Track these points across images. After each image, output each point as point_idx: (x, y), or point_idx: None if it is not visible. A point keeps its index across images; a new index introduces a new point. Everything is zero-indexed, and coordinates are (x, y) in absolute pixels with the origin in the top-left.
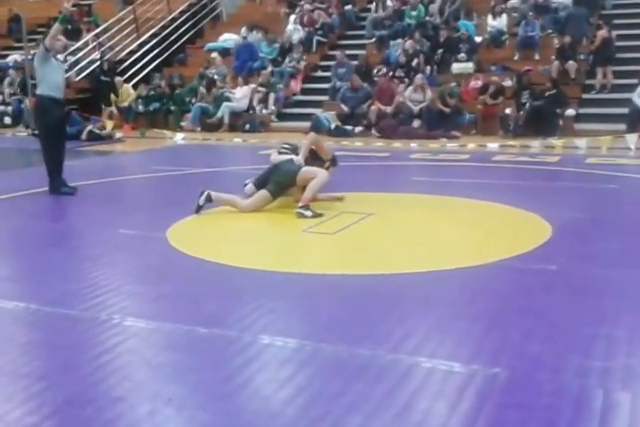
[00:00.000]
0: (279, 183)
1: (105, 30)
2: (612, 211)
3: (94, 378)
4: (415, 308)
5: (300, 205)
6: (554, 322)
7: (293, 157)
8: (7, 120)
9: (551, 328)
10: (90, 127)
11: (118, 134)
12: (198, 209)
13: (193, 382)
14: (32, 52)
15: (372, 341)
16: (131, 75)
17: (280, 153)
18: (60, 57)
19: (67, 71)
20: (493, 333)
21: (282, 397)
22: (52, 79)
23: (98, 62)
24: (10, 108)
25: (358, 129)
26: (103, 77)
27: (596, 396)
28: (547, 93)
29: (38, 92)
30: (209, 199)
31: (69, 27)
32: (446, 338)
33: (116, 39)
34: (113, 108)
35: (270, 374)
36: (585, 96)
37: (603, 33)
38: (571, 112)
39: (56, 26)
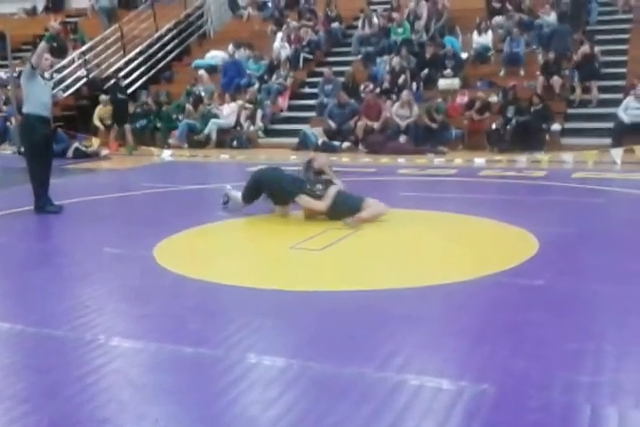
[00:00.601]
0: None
1: (91, 48)
2: (598, 225)
3: (79, 400)
4: (402, 324)
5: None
6: (541, 337)
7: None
8: None
9: (538, 344)
10: (76, 145)
11: (104, 152)
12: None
13: (179, 402)
14: (17, 69)
15: (360, 358)
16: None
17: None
18: (47, 75)
19: (53, 88)
20: (481, 349)
21: (268, 417)
22: (39, 97)
23: (83, 80)
24: None
25: (345, 145)
26: (120, 95)
27: (583, 412)
28: (532, 109)
29: (24, 110)
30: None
31: (55, 44)
32: (433, 355)
33: (103, 57)
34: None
35: (257, 394)
36: (570, 111)
37: (585, 49)
38: (556, 127)
39: (42, 44)
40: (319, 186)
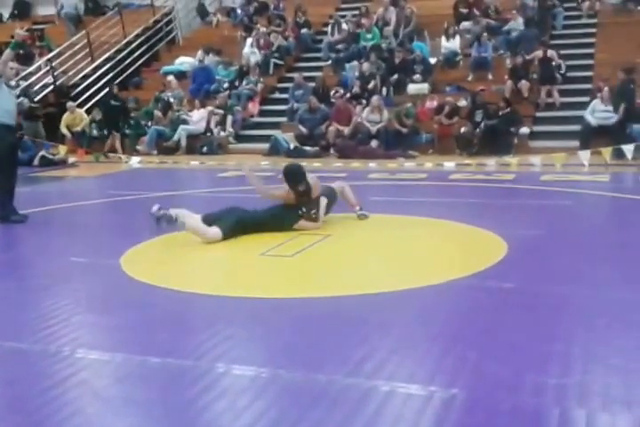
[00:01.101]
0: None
1: (58, 55)
2: (566, 227)
3: (43, 413)
4: (373, 330)
5: (359, 208)
6: (510, 340)
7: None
8: None
9: (508, 347)
10: (42, 153)
11: (72, 159)
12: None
13: (147, 414)
14: None
15: (330, 365)
16: (85, 99)
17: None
18: (13, 83)
19: (18, 97)
20: (451, 353)
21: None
22: (4, 105)
23: (50, 87)
24: None
25: (316, 149)
26: (113, 102)
27: (552, 414)
28: (500, 112)
29: None
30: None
31: (21, 51)
32: (404, 360)
33: (70, 63)
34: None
35: (226, 403)
36: (538, 114)
37: (538, 53)
38: (525, 130)
39: (7, 51)
40: (313, 210)
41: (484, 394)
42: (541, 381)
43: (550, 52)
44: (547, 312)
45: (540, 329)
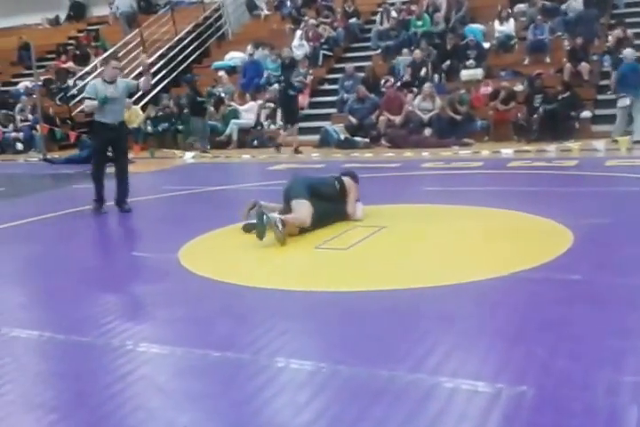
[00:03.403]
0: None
1: (113, 54)
2: (635, 215)
3: (107, 408)
4: (434, 324)
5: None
6: (579, 335)
7: None
8: (19, 146)
9: (577, 342)
10: None
11: (129, 156)
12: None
13: (207, 408)
14: (41, 78)
15: (391, 360)
16: (139, 96)
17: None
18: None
19: (74, 97)
20: (517, 348)
21: (299, 423)
22: (109, 106)
23: None
24: (21, 135)
25: (366, 140)
26: (199, 98)
27: (629, 413)
28: (560, 96)
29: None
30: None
31: (78, 53)
32: (468, 355)
33: (124, 62)
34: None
35: (286, 398)
36: (600, 97)
37: (617, 33)
38: (586, 114)
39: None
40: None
41: (555, 392)
42: (616, 378)
43: (629, 33)
44: (617, 305)
45: (611, 323)
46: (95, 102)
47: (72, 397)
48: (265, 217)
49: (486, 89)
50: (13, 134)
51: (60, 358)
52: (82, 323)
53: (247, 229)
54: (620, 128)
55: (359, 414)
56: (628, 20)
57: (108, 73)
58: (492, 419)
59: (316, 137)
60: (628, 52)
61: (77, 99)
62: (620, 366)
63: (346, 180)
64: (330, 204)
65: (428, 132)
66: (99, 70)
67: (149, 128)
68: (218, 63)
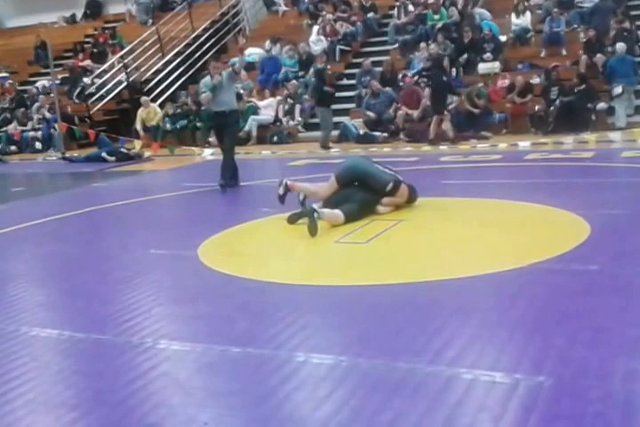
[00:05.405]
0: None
1: (130, 51)
2: None
3: (128, 405)
4: (452, 316)
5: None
6: (598, 325)
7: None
8: (37, 145)
9: (595, 332)
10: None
11: (147, 153)
12: (281, 199)
13: (228, 405)
14: (59, 77)
15: (410, 353)
16: (157, 94)
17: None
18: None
19: (93, 94)
20: (535, 339)
21: (319, 416)
22: (221, 97)
23: (124, 84)
24: (40, 133)
25: (385, 135)
26: (326, 88)
27: None
28: (576, 89)
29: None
30: (287, 189)
31: (95, 50)
32: (486, 347)
33: (142, 60)
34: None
35: (307, 393)
36: None
37: (616, 25)
38: (602, 106)
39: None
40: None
41: (573, 382)
42: (634, 367)
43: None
44: (635, 295)
45: (628, 313)
46: (209, 94)
47: (92, 395)
48: (315, 213)
49: (503, 82)
50: (32, 133)
51: (80, 357)
52: (101, 321)
53: (292, 220)
54: (621, 115)
55: (379, 406)
56: None
57: (211, 72)
58: (510, 409)
59: (334, 132)
60: (619, 46)
61: (95, 97)
62: (637, 355)
63: (403, 186)
64: (368, 195)
65: (445, 125)
66: (116, 68)
67: (167, 126)
68: (235, 59)
